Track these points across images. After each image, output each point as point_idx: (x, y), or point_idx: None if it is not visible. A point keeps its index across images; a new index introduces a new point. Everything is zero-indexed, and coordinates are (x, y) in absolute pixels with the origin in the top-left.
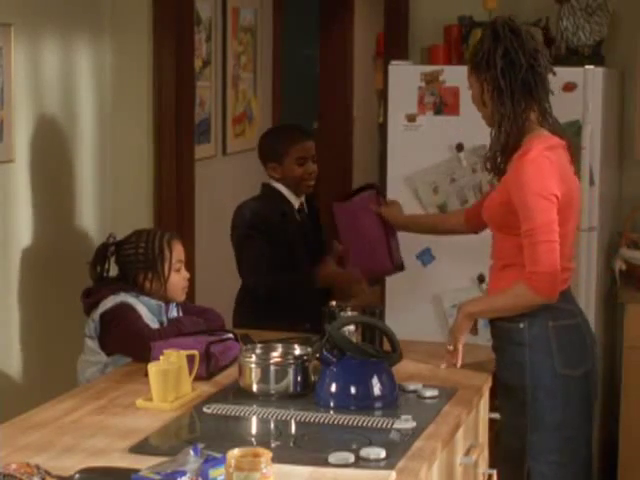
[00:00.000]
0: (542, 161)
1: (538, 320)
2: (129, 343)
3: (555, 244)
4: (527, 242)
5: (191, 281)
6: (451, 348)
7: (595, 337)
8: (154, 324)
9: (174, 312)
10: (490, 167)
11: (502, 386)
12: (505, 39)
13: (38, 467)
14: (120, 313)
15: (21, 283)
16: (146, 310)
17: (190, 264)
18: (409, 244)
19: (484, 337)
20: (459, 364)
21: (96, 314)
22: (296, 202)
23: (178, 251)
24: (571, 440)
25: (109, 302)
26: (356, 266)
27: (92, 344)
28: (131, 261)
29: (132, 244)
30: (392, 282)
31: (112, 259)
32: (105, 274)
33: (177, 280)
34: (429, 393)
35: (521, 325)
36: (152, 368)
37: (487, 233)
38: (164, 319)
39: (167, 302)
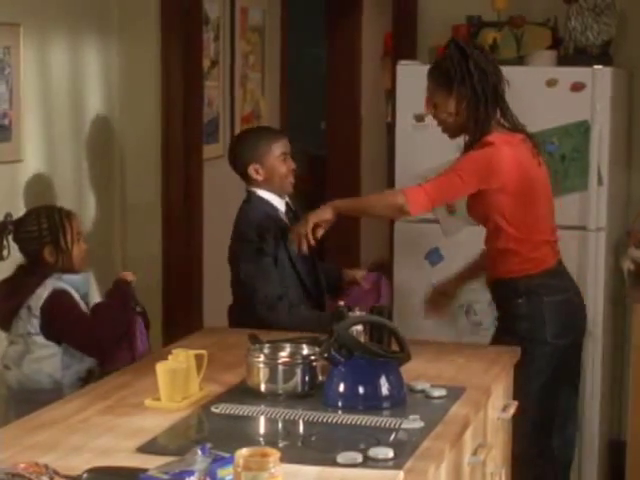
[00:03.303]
0: (494, 152)
1: (534, 296)
2: (86, 344)
3: (450, 190)
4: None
5: (199, 280)
6: (303, 231)
7: (586, 311)
8: (82, 304)
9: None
10: None
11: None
12: (473, 54)
13: (46, 466)
14: (61, 301)
15: None
16: (73, 291)
17: (198, 263)
18: (418, 244)
19: (488, 336)
20: (304, 249)
21: (36, 310)
22: (281, 206)
23: (76, 223)
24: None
25: (44, 292)
26: None
27: (40, 339)
28: (35, 237)
29: (33, 221)
30: (400, 281)
31: (10, 238)
32: (3, 253)
33: (78, 251)
34: (437, 393)
35: (519, 300)
36: (160, 367)
37: None
38: (88, 290)
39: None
